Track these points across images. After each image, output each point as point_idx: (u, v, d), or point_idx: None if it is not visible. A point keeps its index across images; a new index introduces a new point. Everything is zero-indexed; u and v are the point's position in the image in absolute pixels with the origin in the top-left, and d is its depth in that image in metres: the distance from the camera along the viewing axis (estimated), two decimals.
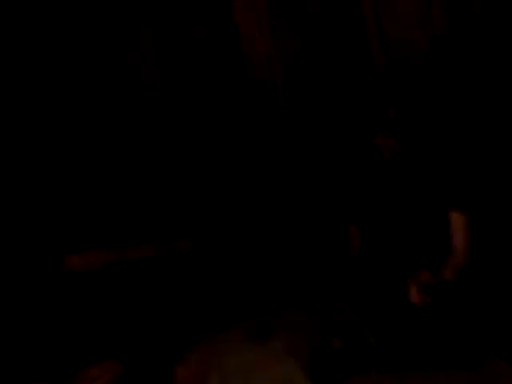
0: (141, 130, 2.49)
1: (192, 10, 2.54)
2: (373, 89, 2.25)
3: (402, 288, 1.82)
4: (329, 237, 2.49)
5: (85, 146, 2.44)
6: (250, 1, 2.50)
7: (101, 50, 2.46)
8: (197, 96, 2.57)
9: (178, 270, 2.24)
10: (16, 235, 2.08)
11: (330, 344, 1.88)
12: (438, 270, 1.80)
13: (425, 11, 2.66)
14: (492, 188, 2.05)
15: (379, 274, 2.02)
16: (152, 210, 2.43)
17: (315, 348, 1.89)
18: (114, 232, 2.29)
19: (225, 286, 2.38)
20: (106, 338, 1.98)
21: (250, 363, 2.01)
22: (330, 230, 2.49)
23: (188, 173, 2.54)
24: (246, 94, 2.56)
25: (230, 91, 2.56)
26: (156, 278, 2.16)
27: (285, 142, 2.58)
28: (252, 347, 2.11)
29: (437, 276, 1.77)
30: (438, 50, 2.65)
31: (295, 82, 2.56)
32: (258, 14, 2.50)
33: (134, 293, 2.11)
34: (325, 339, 1.91)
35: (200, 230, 2.37)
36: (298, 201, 2.58)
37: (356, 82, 2.54)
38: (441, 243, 1.89)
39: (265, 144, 2.56)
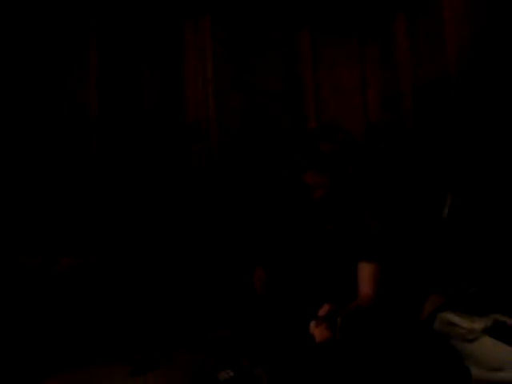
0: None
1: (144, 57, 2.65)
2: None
3: (304, 323, 1.73)
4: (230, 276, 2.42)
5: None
6: (200, 54, 2.66)
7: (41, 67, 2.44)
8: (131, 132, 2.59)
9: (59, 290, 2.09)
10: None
11: (216, 375, 1.73)
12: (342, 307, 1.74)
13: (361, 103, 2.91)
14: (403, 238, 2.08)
15: (283, 313, 1.94)
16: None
17: (198, 377, 1.73)
18: None
19: (114, 316, 2.23)
20: None
21: None
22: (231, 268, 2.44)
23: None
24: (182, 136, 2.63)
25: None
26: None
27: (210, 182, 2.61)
28: (128, 380, 1.93)
29: (339, 310, 1.70)
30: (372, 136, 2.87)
31: (230, 130, 2.65)
32: (205, 66, 2.66)
33: None
34: (210, 371, 1.76)
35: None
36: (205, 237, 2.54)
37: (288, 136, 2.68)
38: (349, 288, 1.86)
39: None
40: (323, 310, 1.55)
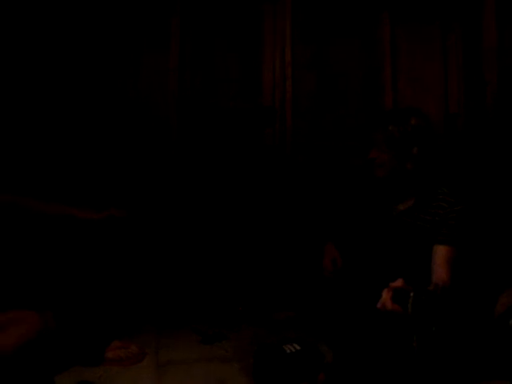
0: None
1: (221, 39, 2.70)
2: None
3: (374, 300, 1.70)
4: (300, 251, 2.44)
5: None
6: (279, 38, 2.68)
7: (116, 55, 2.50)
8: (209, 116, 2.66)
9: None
10: None
11: (282, 347, 1.74)
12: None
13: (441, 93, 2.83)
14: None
15: (353, 293, 1.92)
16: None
17: (264, 347, 1.75)
18: None
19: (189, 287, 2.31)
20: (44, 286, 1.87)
21: (191, 360, 1.88)
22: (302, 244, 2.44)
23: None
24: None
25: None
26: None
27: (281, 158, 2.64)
28: (197, 347, 2.00)
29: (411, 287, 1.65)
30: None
31: (305, 113, 2.66)
32: (284, 49, 2.68)
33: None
34: (277, 343, 1.78)
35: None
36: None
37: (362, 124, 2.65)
38: (422, 272, 1.82)
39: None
40: (397, 283, 1.51)
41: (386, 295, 1.47)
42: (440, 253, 1.79)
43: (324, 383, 1.67)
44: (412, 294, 1.43)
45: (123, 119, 2.50)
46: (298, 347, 1.71)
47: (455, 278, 1.77)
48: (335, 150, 2.70)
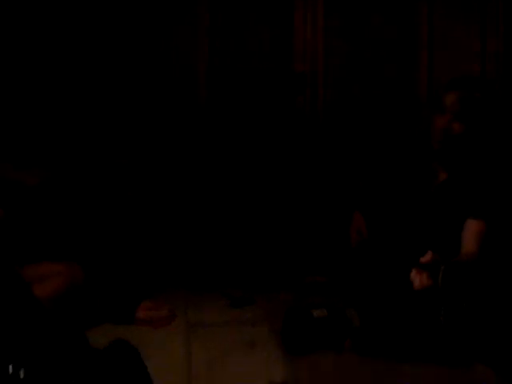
0: None
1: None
2: None
3: (404, 272, 1.70)
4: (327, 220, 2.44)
5: None
6: (310, 2, 2.62)
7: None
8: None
9: None
10: None
11: (310, 311, 1.75)
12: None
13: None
14: None
15: (381, 260, 1.92)
16: None
17: (292, 311, 1.76)
18: None
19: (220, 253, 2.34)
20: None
21: (220, 323, 1.93)
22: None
23: None
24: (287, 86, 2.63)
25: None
26: None
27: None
28: (226, 310, 2.05)
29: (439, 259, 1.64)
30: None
31: (336, 80, 2.61)
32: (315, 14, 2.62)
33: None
34: (305, 308, 1.79)
35: None
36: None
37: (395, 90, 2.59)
38: (451, 245, 1.80)
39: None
40: (426, 257, 1.50)
41: (416, 273, 1.46)
42: (470, 226, 1.77)
43: (350, 349, 1.67)
44: (443, 268, 1.41)
45: (156, 86, 2.51)
46: (326, 312, 1.73)
47: (485, 252, 1.74)
48: (367, 118, 2.65)
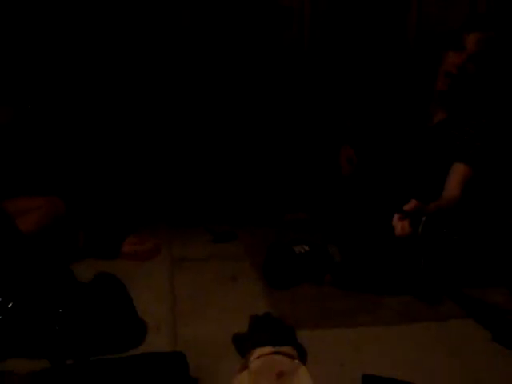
0: None
1: None
2: None
3: (387, 215, 1.73)
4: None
5: None
6: None
7: None
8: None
9: None
10: None
11: (292, 247, 1.79)
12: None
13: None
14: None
15: (367, 198, 1.95)
16: None
17: (274, 246, 1.80)
18: None
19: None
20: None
21: (204, 257, 1.97)
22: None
23: None
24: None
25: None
26: None
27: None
28: (210, 245, 2.09)
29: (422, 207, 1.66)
30: None
31: (323, 18, 2.55)
32: None
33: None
34: (287, 243, 1.82)
35: None
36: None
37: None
38: (438, 187, 1.82)
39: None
40: (410, 205, 1.52)
41: (398, 220, 1.49)
42: (456, 169, 1.79)
43: (331, 283, 1.72)
44: (424, 219, 1.44)
45: None
46: (307, 248, 1.76)
47: (469, 196, 1.77)
48: (354, 55, 2.60)
